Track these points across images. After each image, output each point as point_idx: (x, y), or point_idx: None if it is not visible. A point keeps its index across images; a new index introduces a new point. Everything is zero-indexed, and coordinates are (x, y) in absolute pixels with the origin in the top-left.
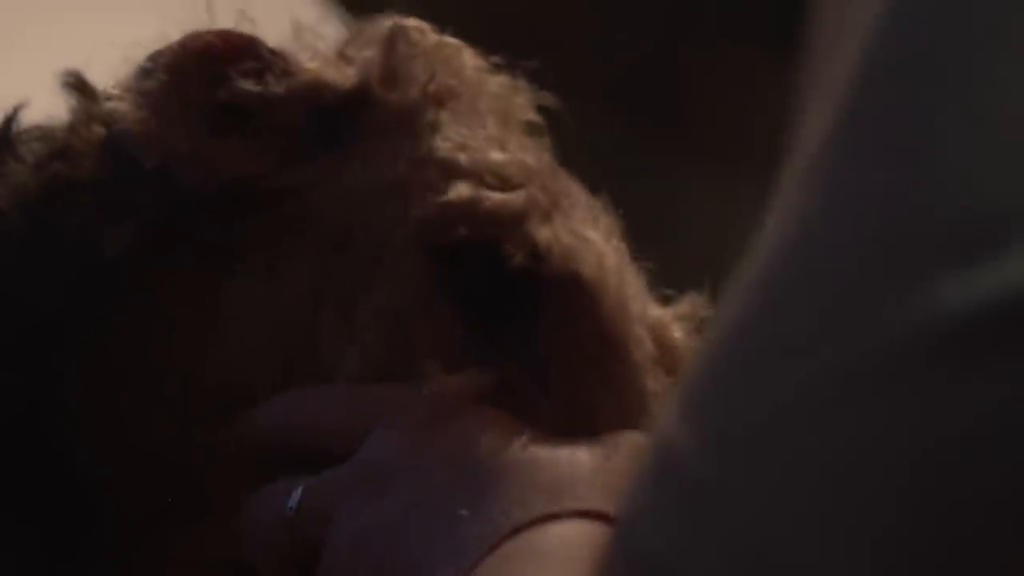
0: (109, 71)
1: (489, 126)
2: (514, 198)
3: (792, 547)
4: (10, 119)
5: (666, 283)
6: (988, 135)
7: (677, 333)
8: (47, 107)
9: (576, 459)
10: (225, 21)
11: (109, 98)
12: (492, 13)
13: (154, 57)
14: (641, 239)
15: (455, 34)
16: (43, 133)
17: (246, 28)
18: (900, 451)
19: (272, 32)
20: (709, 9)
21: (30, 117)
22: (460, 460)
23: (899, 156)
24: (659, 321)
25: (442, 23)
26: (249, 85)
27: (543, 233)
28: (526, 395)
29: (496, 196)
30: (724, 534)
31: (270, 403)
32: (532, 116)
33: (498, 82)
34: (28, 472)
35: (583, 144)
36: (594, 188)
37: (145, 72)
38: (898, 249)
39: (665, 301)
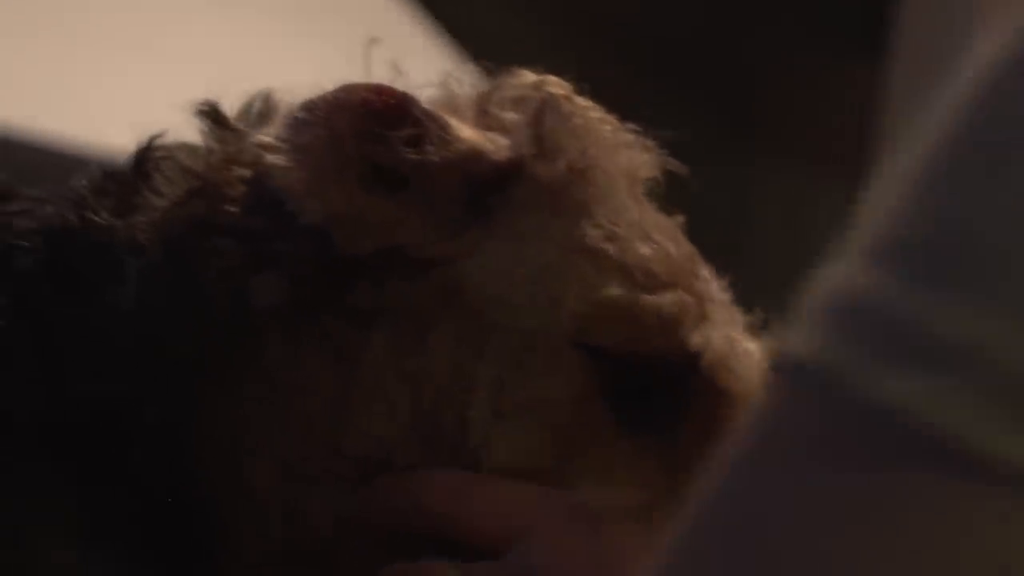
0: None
1: (632, 207)
2: (666, 303)
3: None
4: (145, 148)
5: (743, 282)
6: None
7: None
8: (183, 135)
9: None
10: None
11: (263, 146)
12: (566, 11)
13: (308, 108)
14: (716, 241)
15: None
16: (180, 167)
17: (398, 81)
18: None
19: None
20: (788, 6)
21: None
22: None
23: None
24: None
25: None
26: (408, 152)
27: (696, 338)
28: (669, 509)
29: (648, 300)
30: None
31: (412, 480)
32: (655, 175)
33: (626, 141)
34: (158, 501)
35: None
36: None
37: (301, 123)
38: None
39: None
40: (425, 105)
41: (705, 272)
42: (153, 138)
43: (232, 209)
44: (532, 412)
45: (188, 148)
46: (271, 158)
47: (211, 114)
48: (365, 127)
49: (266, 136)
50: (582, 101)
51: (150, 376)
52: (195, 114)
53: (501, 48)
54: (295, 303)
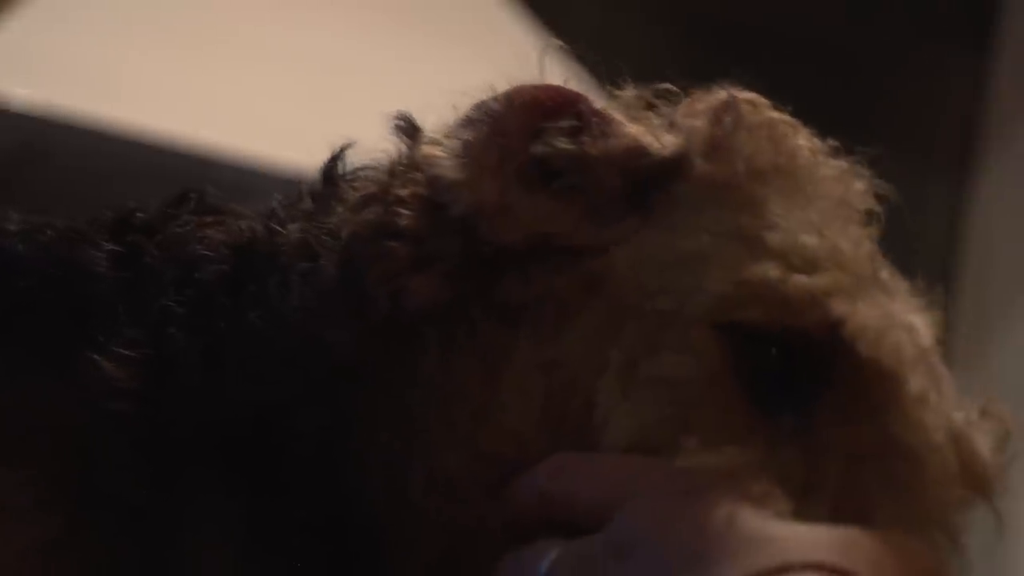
0: (441, 118)
1: (812, 210)
2: (816, 281)
3: None
4: (335, 158)
5: None
6: None
7: (981, 447)
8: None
9: (816, 529)
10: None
11: (430, 142)
12: (679, 11)
13: (480, 107)
14: None
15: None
16: (366, 175)
17: (576, 87)
18: None
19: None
20: (894, 1)
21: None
22: (699, 536)
23: None
24: (961, 431)
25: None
26: (565, 143)
27: (842, 308)
28: (797, 484)
29: (798, 279)
30: None
31: (532, 470)
32: (869, 204)
33: (834, 167)
34: (319, 512)
35: None
36: None
37: (469, 121)
38: None
39: None
40: (595, 105)
41: (885, 272)
42: (343, 147)
43: (403, 211)
44: (657, 389)
45: (378, 158)
46: (430, 150)
47: (406, 127)
48: (531, 125)
49: (435, 134)
50: (777, 114)
51: (309, 382)
52: (391, 128)
53: (604, 46)
54: (448, 304)
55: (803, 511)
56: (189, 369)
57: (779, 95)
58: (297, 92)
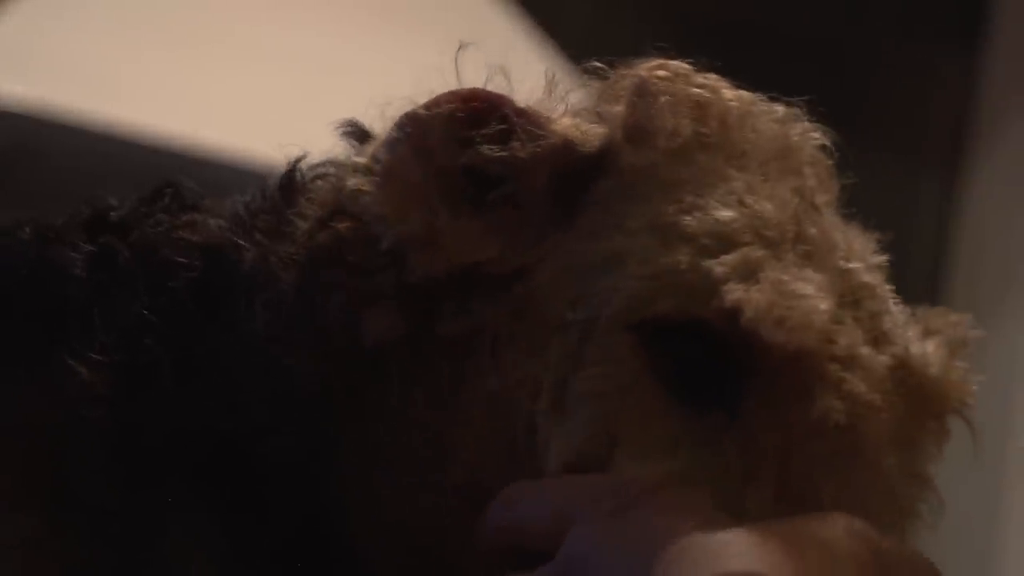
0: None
1: (742, 175)
2: (716, 266)
3: None
4: (291, 171)
5: None
6: None
7: (932, 368)
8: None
9: (744, 535)
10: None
11: (355, 168)
12: (670, 8)
13: (399, 124)
14: None
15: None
16: (320, 190)
17: (498, 83)
18: None
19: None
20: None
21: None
22: (631, 557)
23: None
24: (908, 360)
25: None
26: (493, 150)
27: (736, 295)
28: (735, 478)
29: (701, 265)
30: None
31: (492, 502)
32: (816, 141)
33: (770, 115)
34: (295, 531)
35: None
36: None
37: (390, 144)
38: None
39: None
40: (521, 104)
41: (815, 228)
42: (297, 159)
43: (351, 239)
44: (585, 405)
45: (334, 168)
46: (357, 182)
47: (355, 133)
48: (452, 136)
49: (363, 157)
50: (698, 80)
51: (280, 404)
52: (339, 134)
53: (593, 44)
54: (402, 339)
55: (745, 505)
56: (161, 380)
57: (770, 92)
58: (294, 92)
